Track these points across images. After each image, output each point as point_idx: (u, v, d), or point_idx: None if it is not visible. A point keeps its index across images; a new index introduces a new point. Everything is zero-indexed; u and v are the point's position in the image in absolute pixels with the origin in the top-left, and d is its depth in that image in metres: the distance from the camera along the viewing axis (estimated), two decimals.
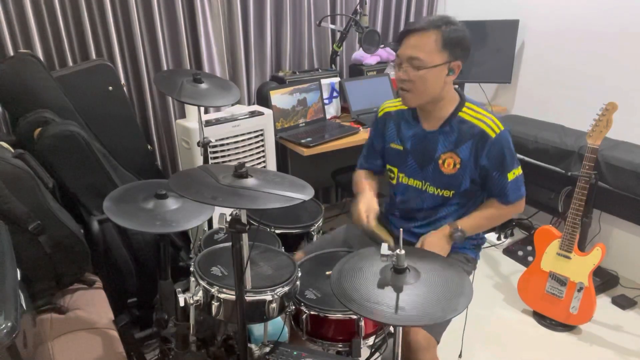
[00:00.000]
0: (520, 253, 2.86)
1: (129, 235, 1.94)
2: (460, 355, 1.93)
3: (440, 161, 1.58)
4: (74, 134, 1.75)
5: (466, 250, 1.69)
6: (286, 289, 1.38)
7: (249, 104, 2.88)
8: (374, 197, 1.64)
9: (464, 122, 1.54)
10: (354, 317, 1.43)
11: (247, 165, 1.22)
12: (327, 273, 1.54)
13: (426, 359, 1.41)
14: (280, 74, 2.84)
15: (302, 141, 2.45)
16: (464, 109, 1.55)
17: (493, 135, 1.50)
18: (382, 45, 3.07)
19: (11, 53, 2.14)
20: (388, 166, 1.72)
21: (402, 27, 3.37)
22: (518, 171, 1.57)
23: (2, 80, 1.84)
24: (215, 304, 1.34)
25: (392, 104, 1.71)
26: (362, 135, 2.55)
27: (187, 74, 1.90)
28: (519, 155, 1.60)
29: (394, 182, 1.70)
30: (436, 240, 1.56)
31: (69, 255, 1.62)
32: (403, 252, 1.13)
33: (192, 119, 2.31)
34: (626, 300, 2.45)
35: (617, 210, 2.42)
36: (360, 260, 1.25)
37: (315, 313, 1.44)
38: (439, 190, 1.61)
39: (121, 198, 1.49)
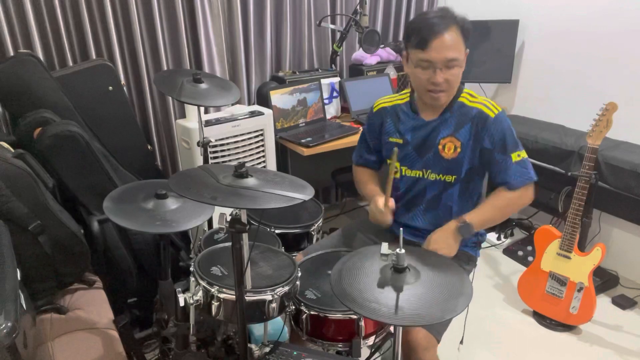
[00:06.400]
0: (520, 253, 2.86)
1: (129, 235, 1.94)
2: (461, 342, 1.91)
3: (440, 146, 1.58)
4: (74, 134, 1.75)
5: (467, 248, 1.68)
6: (286, 289, 1.38)
7: (249, 104, 2.88)
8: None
9: (462, 107, 1.56)
10: (354, 317, 1.43)
11: (247, 165, 1.22)
12: (329, 272, 1.54)
13: (426, 358, 1.41)
14: (280, 74, 2.84)
15: (302, 141, 2.45)
16: (463, 94, 1.58)
17: (492, 115, 1.52)
18: (382, 45, 3.07)
19: (11, 53, 2.14)
20: (389, 161, 1.71)
21: (402, 27, 3.36)
22: (523, 154, 1.54)
23: (2, 80, 1.83)
24: (215, 304, 1.34)
25: (387, 100, 1.72)
26: None
27: (187, 74, 1.90)
28: None
29: (397, 175, 1.69)
30: (442, 238, 1.53)
31: (69, 255, 1.62)
32: (403, 251, 1.13)
33: (192, 119, 2.31)
34: (626, 300, 2.45)
35: (617, 210, 2.42)
36: (360, 259, 1.25)
37: (315, 313, 1.44)
38: (440, 175, 1.61)
39: (121, 198, 1.49)
